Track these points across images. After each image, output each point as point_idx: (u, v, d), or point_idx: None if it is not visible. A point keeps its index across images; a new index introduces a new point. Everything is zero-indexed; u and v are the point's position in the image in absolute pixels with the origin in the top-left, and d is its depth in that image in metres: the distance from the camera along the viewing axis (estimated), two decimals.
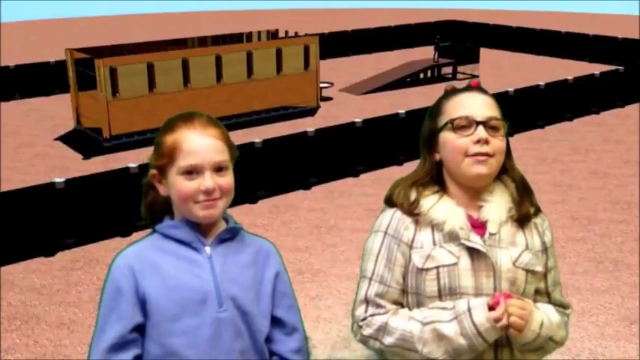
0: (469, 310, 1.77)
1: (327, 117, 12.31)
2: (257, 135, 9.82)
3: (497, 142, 1.85)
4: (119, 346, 1.71)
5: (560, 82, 12.01)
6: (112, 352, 1.71)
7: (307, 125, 10.21)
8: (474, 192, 1.90)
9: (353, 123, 9.36)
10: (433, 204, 1.87)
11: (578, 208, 8.04)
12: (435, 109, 1.95)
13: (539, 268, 1.91)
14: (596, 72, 12.63)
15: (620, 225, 7.51)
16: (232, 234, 1.86)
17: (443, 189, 1.93)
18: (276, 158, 8.53)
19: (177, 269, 1.75)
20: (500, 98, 10.18)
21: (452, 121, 1.86)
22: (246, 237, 1.91)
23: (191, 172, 1.75)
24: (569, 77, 12.07)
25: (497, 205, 1.89)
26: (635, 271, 6.40)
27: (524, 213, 1.91)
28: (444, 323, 1.79)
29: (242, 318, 1.78)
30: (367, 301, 1.90)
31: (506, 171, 1.94)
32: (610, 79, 12.72)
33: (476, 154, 1.83)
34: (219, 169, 1.80)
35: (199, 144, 1.77)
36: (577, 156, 10.09)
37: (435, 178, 1.93)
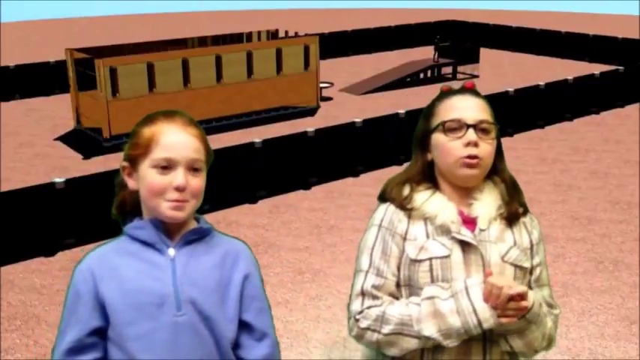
0: (466, 288, 1.81)
1: (327, 117, 12.32)
2: (257, 135, 9.82)
3: (487, 146, 1.90)
4: (77, 349, 1.70)
5: (560, 82, 12.01)
6: (69, 355, 1.70)
7: (307, 125, 10.22)
8: (465, 190, 1.95)
9: (353, 123, 9.36)
10: (426, 199, 1.93)
11: (578, 208, 8.04)
12: (429, 111, 2.00)
13: (527, 264, 1.95)
14: (596, 72, 12.63)
15: (620, 225, 7.51)
16: (200, 235, 1.79)
17: (435, 186, 1.98)
18: (276, 158, 8.53)
19: (137, 272, 1.70)
20: (500, 98, 10.15)
21: (443, 123, 1.91)
22: (216, 238, 1.84)
23: (165, 166, 1.70)
24: (569, 77, 12.07)
25: (487, 203, 1.94)
26: (635, 271, 6.40)
27: (512, 212, 1.96)
28: (441, 300, 1.81)
29: (204, 322, 1.72)
30: (363, 294, 1.90)
31: (497, 172, 1.99)
32: (610, 79, 12.73)
33: (465, 157, 1.88)
34: (193, 169, 1.73)
35: (178, 139, 1.72)
36: (577, 156, 10.09)
37: (428, 176, 1.99)
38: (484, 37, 20.40)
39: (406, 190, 1.95)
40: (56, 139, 11.43)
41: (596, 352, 5.12)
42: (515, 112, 10.81)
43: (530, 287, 1.96)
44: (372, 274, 1.91)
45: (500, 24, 21.44)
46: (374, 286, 1.89)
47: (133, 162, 1.76)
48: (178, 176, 1.70)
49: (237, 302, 1.78)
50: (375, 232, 1.95)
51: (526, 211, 2.01)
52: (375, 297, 1.89)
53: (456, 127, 1.90)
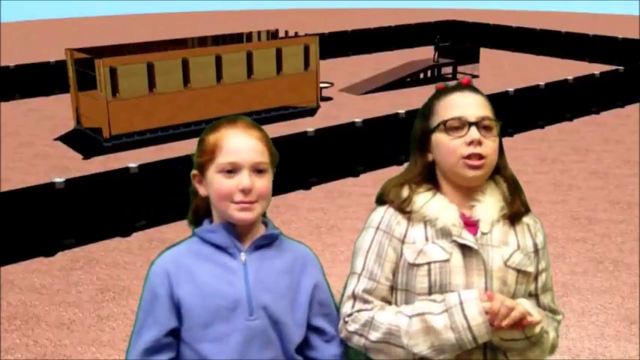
0: (461, 303, 1.74)
1: (327, 117, 12.31)
2: None
3: (490, 143, 1.84)
4: (154, 349, 1.76)
5: (560, 82, 12.01)
6: (147, 355, 1.76)
7: (307, 125, 10.21)
8: (467, 191, 1.89)
9: (353, 123, 9.36)
10: (426, 201, 1.87)
11: (578, 208, 8.04)
12: (427, 110, 1.93)
13: (531, 269, 1.88)
14: (596, 72, 12.63)
15: (620, 225, 7.50)
16: (269, 240, 1.86)
17: (436, 187, 1.92)
18: None
19: (212, 276, 1.77)
20: (500, 98, 10.15)
21: (444, 122, 1.85)
22: (284, 243, 1.90)
23: (230, 170, 1.77)
24: (569, 77, 12.08)
25: (489, 205, 1.88)
26: (635, 271, 6.40)
27: (514, 211, 1.90)
28: (433, 315, 1.75)
29: (273, 327, 1.78)
30: (355, 297, 1.86)
31: (499, 170, 1.93)
32: (610, 79, 12.73)
33: (469, 157, 1.82)
34: (258, 170, 1.79)
35: (240, 143, 1.79)
36: (577, 156, 10.08)
37: (428, 177, 1.93)
38: (484, 37, 20.40)
39: (405, 192, 1.89)
40: (56, 139, 11.42)
41: (596, 352, 5.12)
42: (515, 112, 10.80)
43: (536, 294, 1.93)
44: (364, 278, 1.87)
45: (500, 24, 21.43)
46: (365, 290, 1.86)
47: (201, 169, 1.83)
48: (243, 179, 1.76)
49: (306, 308, 1.85)
50: (372, 234, 1.91)
51: (528, 210, 1.94)
52: (365, 301, 1.85)
53: (457, 125, 1.83)
